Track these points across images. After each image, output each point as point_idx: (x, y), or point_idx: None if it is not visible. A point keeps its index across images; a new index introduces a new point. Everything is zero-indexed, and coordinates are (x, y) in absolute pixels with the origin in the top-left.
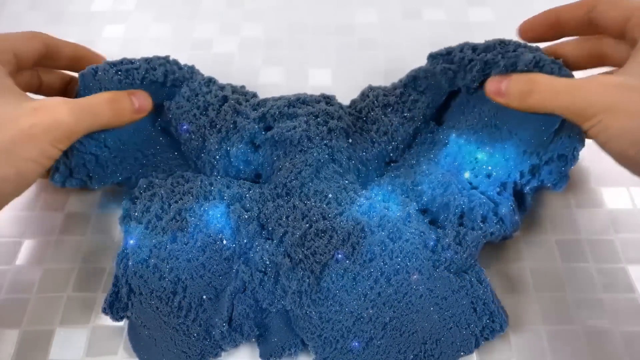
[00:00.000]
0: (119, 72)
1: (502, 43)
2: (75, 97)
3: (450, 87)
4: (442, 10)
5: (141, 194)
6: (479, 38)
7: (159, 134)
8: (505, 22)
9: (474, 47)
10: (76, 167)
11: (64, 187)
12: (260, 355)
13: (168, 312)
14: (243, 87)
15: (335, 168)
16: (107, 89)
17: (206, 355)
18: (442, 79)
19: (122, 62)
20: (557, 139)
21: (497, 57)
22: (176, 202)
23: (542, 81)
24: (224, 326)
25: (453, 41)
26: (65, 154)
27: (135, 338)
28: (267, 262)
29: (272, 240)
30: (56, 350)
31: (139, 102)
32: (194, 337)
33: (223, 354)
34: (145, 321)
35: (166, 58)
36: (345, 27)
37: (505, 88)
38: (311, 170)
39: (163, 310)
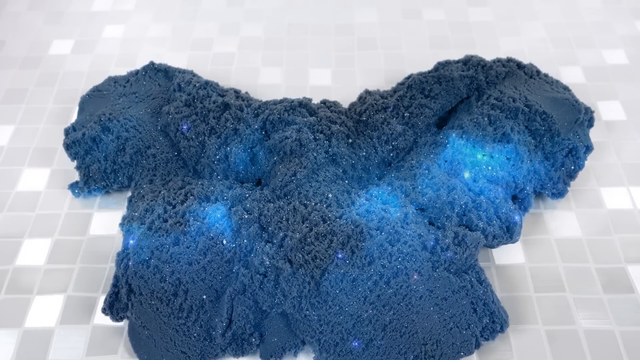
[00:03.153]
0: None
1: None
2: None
3: (468, 93)
4: (442, 10)
5: (142, 196)
6: (479, 38)
7: (159, 134)
8: (505, 22)
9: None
10: (91, 180)
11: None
12: (261, 356)
13: (169, 313)
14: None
15: (337, 171)
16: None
17: (206, 356)
18: (460, 84)
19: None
20: (573, 130)
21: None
22: (181, 203)
23: None
24: (223, 327)
25: (453, 41)
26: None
27: (135, 338)
28: (268, 265)
29: (272, 243)
30: (56, 350)
31: None
32: (194, 337)
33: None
34: (145, 321)
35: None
36: (345, 27)
37: None
38: (306, 172)
39: (163, 311)
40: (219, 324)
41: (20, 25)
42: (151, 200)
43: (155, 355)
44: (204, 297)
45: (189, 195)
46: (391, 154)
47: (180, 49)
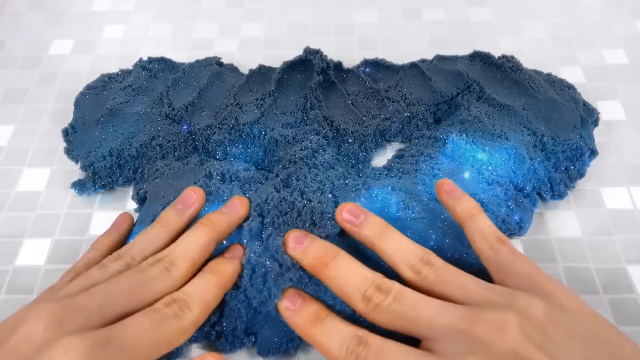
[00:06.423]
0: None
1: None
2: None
3: (465, 87)
4: (442, 10)
5: (144, 194)
6: (479, 38)
7: (163, 123)
8: (505, 22)
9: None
10: (97, 178)
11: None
12: (258, 352)
13: None
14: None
15: (334, 154)
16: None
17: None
18: (459, 79)
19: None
20: (576, 132)
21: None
22: (204, 177)
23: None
24: (214, 321)
25: (453, 41)
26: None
27: None
28: (254, 263)
29: (264, 241)
30: None
31: None
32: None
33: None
34: None
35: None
36: (345, 27)
37: None
38: (307, 152)
39: None
40: (211, 318)
41: (20, 25)
42: (152, 200)
43: None
44: None
45: (207, 171)
46: (386, 134)
47: (180, 49)
